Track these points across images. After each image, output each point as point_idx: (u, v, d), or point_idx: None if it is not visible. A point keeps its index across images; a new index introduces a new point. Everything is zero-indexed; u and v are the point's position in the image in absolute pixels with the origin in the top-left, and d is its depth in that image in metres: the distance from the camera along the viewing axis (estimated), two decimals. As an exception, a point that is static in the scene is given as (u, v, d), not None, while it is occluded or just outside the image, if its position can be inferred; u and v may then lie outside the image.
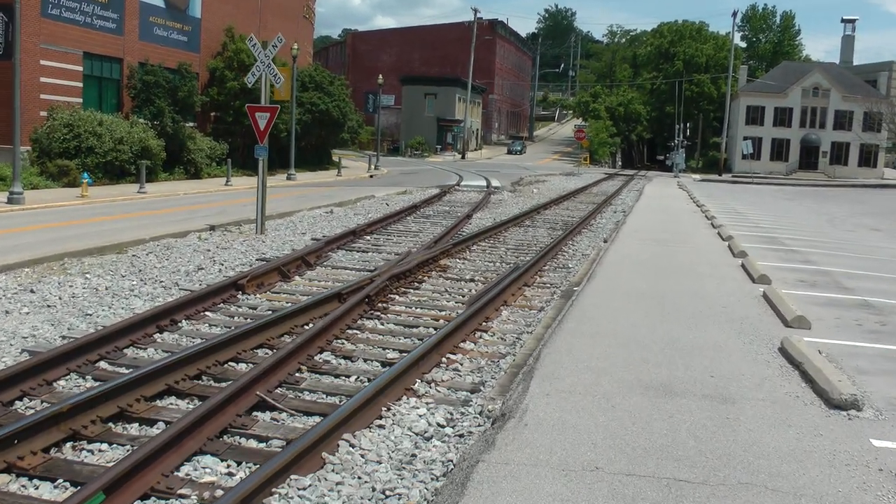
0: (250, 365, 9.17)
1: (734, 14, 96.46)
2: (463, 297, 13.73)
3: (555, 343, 9.48)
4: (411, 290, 14.06)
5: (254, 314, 11.81)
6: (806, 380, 8.36)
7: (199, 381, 8.73)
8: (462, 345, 10.51)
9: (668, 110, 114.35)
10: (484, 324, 11.67)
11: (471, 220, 26.07)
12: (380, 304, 12.54)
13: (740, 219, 30.62)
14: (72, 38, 37.38)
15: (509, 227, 24.40)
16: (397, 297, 13.47)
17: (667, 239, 21.43)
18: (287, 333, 10.62)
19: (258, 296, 13.12)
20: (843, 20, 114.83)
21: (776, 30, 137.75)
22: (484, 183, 47.02)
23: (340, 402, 8.15)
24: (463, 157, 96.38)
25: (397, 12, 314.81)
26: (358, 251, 18.54)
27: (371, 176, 56.69)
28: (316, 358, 9.59)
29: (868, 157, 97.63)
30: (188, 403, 8.13)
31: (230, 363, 9.39)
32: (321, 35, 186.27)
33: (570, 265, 17.68)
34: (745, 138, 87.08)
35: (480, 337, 11.03)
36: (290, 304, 12.14)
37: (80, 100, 38.31)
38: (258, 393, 7.92)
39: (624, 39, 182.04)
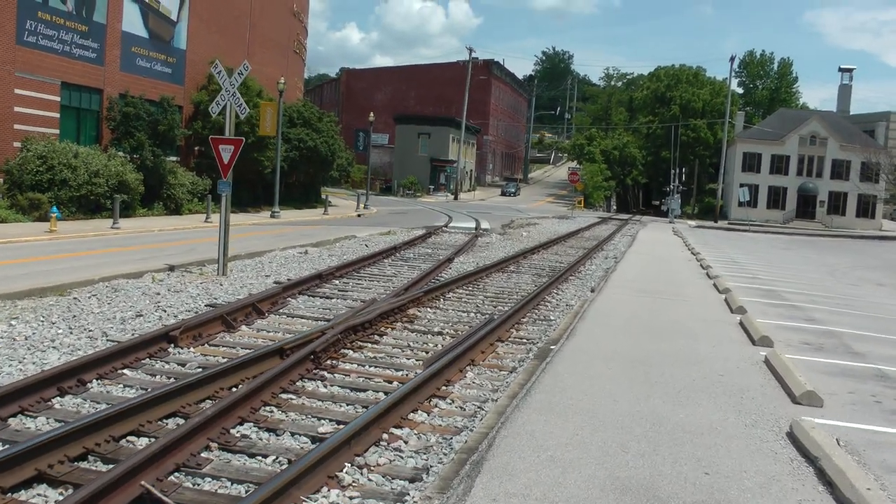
0: (152, 439, 7.62)
1: (731, 59, 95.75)
2: (427, 353, 12.22)
3: (517, 421, 7.96)
4: (369, 345, 12.53)
5: (179, 373, 10.27)
6: (824, 482, 6.79)
7: (83, 463, 7.16)
8: (412, 416, 8.97)
9: (663, 155, 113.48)
10: (444, 388, 10.15)
11: (451, 265, 24.59)
12: (328, 362, 11.02)
13: (737, 269, 29.16)
14: (49, 67, 36.13)
15: (492, 273, 22.92)
16: (351, 352, 11.95)
17: (659, 290, 19.93)
18: (210, 398, 9.09)
19: (192, 349, 11.56)
20: (840, 69, 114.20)
21: (773, 76, 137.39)
22: (473, 225, 45.75)
23: (247, 491, 6.62)
24: (455, 198, 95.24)
25: (396, 52, 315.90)
26: (321, 297, 17.01)
27: (359, 215, 55.36)
28: (233, 431, 8.03)
29: (866, 208, 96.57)
30: (60, 494, 6.56)
31: (130, 437, 7.81)
32: (319, 73, 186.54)
33: (553, 317, 16.16)
34: (742, 185, 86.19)
35: (436, 405, 9.48)
36: (226, 360, 10.62)
37: (57, 131, 37.09)
38: (143, 484, 6.36)
39: (620, 83, 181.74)
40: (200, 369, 10.30)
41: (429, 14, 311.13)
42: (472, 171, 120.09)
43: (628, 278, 22.32)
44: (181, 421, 8.28)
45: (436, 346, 12.79)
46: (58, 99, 37.20)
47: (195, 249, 25.32)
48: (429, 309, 16.12)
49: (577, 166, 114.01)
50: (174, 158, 45.38)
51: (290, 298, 16.23)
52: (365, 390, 9.95)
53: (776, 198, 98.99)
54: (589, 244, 37.65)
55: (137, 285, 17.11)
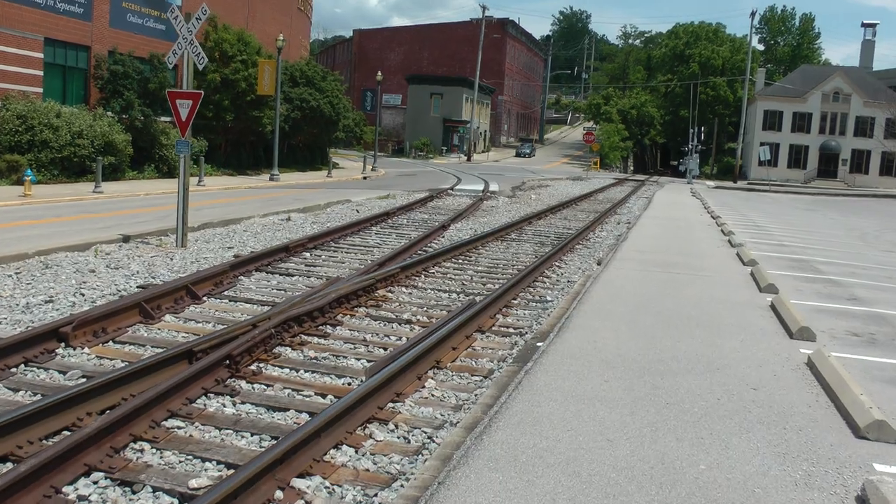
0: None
1: (752, 14, 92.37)
2: (386, 349, 9.99)
3: (461, 483, 5.60)
4: (314, 340, 10.23)
5: (52, 386, 8.02)
6: None
7: None
8: (333, 454, 6.64)
9: (682, 114, 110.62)
10: (390, 406, 7.87)
11: (445, 232, 22.32)
12: (251, 367, 8.76)
13: (761, 234, 26.70)
14: (30, 22, 33.94)
15: (489, 242, 20.64)
16: (289, 350, 9.67)
17: (675, 262, 17.54)
18: (68, 428, 6.85)
19: (88, 349, 9.28)
20: (863, 24, 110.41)
21: (795, 32, 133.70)
22: (481, 187, 43.42)
23: None
24: (469, 159, 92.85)
25: (413, 13, 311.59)
26: (281, 274, 14.73)
27: (365, 178, 53.16)
28: (68, 489, 5.76)
29: (890, 167, 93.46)
30: None
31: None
32: (336, 35, 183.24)
33: (550, 297, 13.86)
34: (762, 144, 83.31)
35: (371, 435, 7.15)
36: (123, 365, 8.37)
37: (40, 89, 34.96)
38: None
39: (638, 41, 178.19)
40: (84, 379, 8.07)
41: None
42: (486, 131, 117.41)
43: (641, 247, 19.96)
44: (12, 465, 6.04)
45: (399, 339, 10.53)
46: (41, 56, 35.05)
47: (171, 216, 23.08)
48: (404, 289, 13.82)
49: (594, 126, 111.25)
50: (168, 119, 43.15)
51: (242, 277, 13.97)
52: (286, 409, 7.65)
53: (797, 157, 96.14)
54: (601, 207, 35.31)
55: (75, 260, 14.91)
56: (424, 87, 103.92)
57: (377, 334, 10.74)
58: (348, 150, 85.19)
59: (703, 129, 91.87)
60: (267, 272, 14.78)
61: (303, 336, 10.24)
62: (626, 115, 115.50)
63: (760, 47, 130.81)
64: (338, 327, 10.92)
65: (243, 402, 7.82)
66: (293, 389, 8.27)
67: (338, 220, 24.09)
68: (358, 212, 26.80)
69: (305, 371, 8.94)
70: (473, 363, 9.67)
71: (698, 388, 8.12)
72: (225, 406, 7.72)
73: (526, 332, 11.09)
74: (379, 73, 65.96)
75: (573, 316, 11.06)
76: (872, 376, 9.02)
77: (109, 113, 36.16)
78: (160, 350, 9.01)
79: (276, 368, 8.96)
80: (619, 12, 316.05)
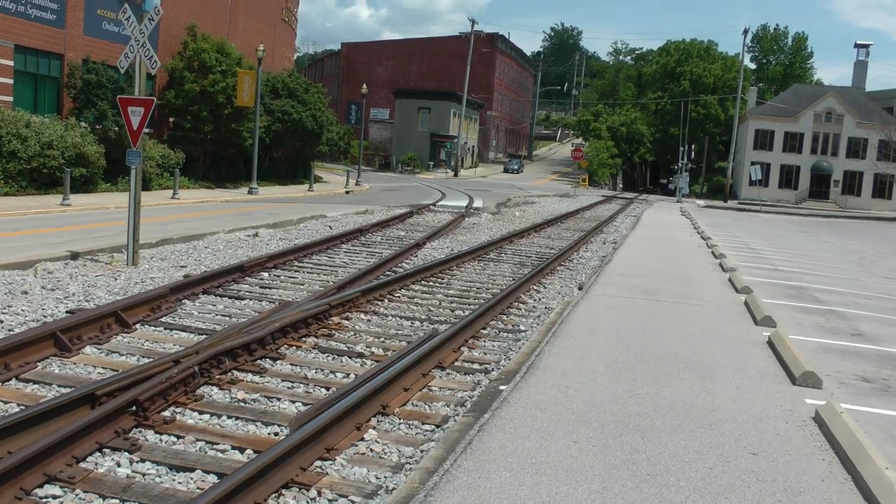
0: None
1: (745, 32, 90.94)
2: (328, 389, 8.71)
3: None
4: (248, 377, 8.93)
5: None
6: None
7: None
8: None
9: (672, 132, 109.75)
10: (317, 465, 6.57)
11: (420, 251, 21.06)
12: (163, 413, 7.46)
13: (753, 257, 25.44)
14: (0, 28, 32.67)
15: (465, 262, 19.37)
16: (215, 391, 8.38)
17: (662, 289, 16.20)
18: None
19: (-20, 390, 8.00)
20: (856, 45, 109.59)
21: (787, 51, 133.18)
22: (465, 203, 42.25)
23: None
24: (456, 175, 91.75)
25: (404, 28, 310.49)
26: (231, 297, 13.40)
27: (347, 192, 52.00)
28: None
29: (882, 188, 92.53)
30: None
31: None
32: (326, 49, 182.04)
33: (524, 326, 12.59)
34: (753, 163, 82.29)
35: None
36: (18, 411, 7.07)
37: (10, 98, 33.64)
38: None
39: (629, 58, 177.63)
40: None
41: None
42: (474, 147, 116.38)
43: (626, 270, 18.66)
44: None
45: (347, 376, 9.24)
46: (10, 63, 33.75)
47: (134, 231, 21.94)
48: (362, 315, 12.52)
49: (582, 143, 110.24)
50: (147, 130, 41.92)
51: (186, 300, 12.64)
52: (192, 469, 6.35)
53: (788, 177, 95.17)
54: (587, 226, 34.10)
55: (10, 280, 13.60)
56: (412, 101, 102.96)
57: (322, 370, 9.44)
58: (335, 164, 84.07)
59: (693, 147, 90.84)
60: (216, 295, 13.45)
61: (235, 373, 8.96)
62: (616, 132, 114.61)
63: (752, 66, 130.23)
64: (278, 362, 9.62)
65: (143, 460, 6.50)
66: (207, 442, 6.96)
67: (308, 236, 22.84)
68: (331, 228, 25.54)
69: (228, 417, 7.65)
70: (427, 408, 8.38)
71: (686, 452, 6.75)
72: (119, 465, 6.40)
73: (492, 370, 9.83)
74: (364, 87, 64.84)
75: (545, 352, 9.75)
76: (892, 436, 7.70)
77: (83, 123, 34.97)
78: (63, 395, 7.70)
79: (195, 414, 7.65)
80: (611, 28, 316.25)
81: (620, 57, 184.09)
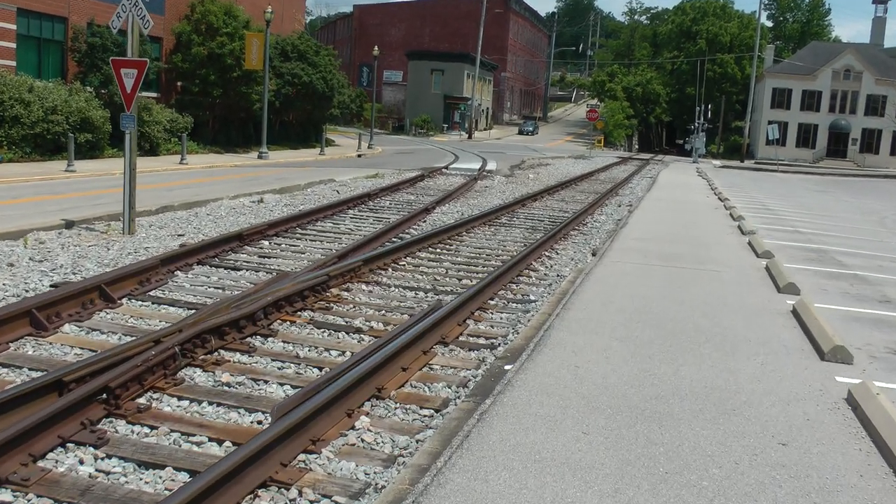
0: None
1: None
2: (322, 369, 8.12)
3: None
4: (235, 358, 8.32)
5: None
6: None
7: None
8: None
9: (688, 92, 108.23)
10: (301, 458, 5.97)
11: (429, 216, 20.42)
12: (133, 403, 6.86)
13: (773, 218, 24.70)
14: (2, -9, 32.11)
15: (476, 227, 18.75)
16: (198, 373, 7.79)
17: (679, 254, 15.54)
18: None
19: (-58, 372, 7.44)
20: (874, 1, 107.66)
21: (804, 9, 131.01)
22: (478, 165, 41.56)
23: None
24: (470, 137, 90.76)
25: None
26: (226, 268, 12.79)
27: (360, 156, 51.36)
28: None
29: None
30: None
31: None
32: (339, 12, 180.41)
33: (534, 296, 11.97)
34: (770, 123, 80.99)
35: None
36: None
37: (14, 63, 33.02)
38: None
39: (644, 17, 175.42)
40: None
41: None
42: (488, 109, 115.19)
43: (642, 234, 18.01)
44: None
45: (343, 353, 8.65)
46: (13, 27, 33.15)
47: (138, 197, 21.38)
48: (364, 286, 11.91)
49: (598, 104, 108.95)
50: (153, 94, 41.57)
51: (179, 272, 12.04)
52: (162, 466, 5.74)
53: (806, 136, 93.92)
54: (602, 188, 33.35)
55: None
56: (425, 63, 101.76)
57: (316, 348, 8.82)
58: (348, 127, 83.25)
59: (709, 107, 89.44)
60: (211, 265, 12.83)
61: (222, 352, 8.36)
62: (632, 92, 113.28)
63: (769, 24, 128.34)
64: (269, 339, 9.01)
65: (109, 456, 5.89)
66: (183, 433, 6.36)
67: (314, 202, 22.24)
68: (338, 192, 24.93)
69: (209, 403, 7.05)
70: (426, 389, 7.77)
71: (708, 443, 6.07)
72: (82, 463, 5.79)
73: (499, 345, 9.22)
74: (376, 48, 63.88)
75: (555, 326, 9.13)
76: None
77: (88, 88, 34.40)
78: (36, 376, 7.13)
79: (172, 401, 7.06)
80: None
81: (636, 17, 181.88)
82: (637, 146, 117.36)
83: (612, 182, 37.37)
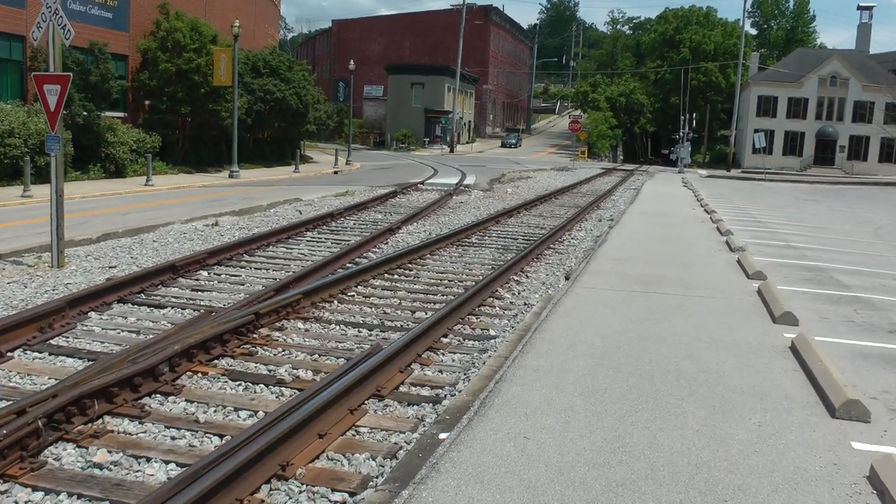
0: None
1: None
2: (223, 437, 6.64)
3: None
4: (122, 426, 6.78)
5: None
6: None
7: None
8: None
9: (673, 101, 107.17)
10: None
11: (393, 237, 18.96)
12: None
13: (763, 232, 23.19)
14: (-47, 9, 30.70)
15: (442, 248, 17.28)
16: (69, 450, 6.25)
17: (661, 276, 13.98)
18: None
19: None
20: (859, 7, 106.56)
21: (789, 16, 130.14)
22: (456, 180, 40.15)
23: None
24: (451, 151, 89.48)
25: (401, 5, 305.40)
26: (151, 305, 11.20)
27: (336, 172, 49.92)
28: None
29: (890, 153, 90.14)
30: None
31: None
32: (320, 28, 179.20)
33: (494, 330, 10.51)
34: (757, 131, 79.86)
35: None
36: None
37: (-32, 83, 31.60)
38: None
39: (627, 27, 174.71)
40: None
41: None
42: (470, 122, 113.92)
43: (621, 253, 16.45)
44: None
45: (254, 414, 7.17)
46: (-33, 47, 31.75)
47: (89, 223, 20.07)
48: (300, 324, 10.38)
49: (580, 115, 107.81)
50: (120, 114, 40.07)
51: (93, 312, 10.52)
52: None
53: (793, 144, 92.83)
54: (584, 201, 31.95)
55: None
56: (405, 76, 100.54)
57: (224, 408, 7.30)
58: (329, 143, 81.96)
59: (694, 116, 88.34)
60: (133, 303, 11.28)
61: (107, 419, 6.86)
62: (615, 102, 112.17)
63: (753, 32, 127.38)
64: (171, 398, 7.48)
65: None
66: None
67: (272, 223, 20.78)
68: (300, 213, 23.44)
69: (69, 495, 5.53)
70: (344, 463, 6.23)
71: None
72: None
73: (444, 397, 7.75)
74: (352, 63, 62.65)
75: (508, 377, 7.55)
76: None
77: (49, 108, 32.91)
78: None
79: (23, 493, 5.56)
80: (609, 2, 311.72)
81: (618, 27, 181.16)
82: (622, 157, 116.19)
83: (593, 195, 35.99)
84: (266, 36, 59.08)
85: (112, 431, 6.70)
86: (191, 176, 39.80)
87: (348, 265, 14.67)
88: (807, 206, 38.06)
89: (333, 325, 10.45)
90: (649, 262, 15.40)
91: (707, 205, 30.68)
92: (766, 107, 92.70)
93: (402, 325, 10.51)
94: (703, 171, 77.65)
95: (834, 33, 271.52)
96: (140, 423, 6.92)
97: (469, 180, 41.24)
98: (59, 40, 14.53)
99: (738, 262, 15.75)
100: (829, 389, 7.37)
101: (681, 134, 79.40)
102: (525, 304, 12.07)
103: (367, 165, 57.22)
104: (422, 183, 37.30)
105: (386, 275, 13.90)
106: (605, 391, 7.34)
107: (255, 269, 14.48)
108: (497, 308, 11.96)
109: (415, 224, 21.69)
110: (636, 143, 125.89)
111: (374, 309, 11.52)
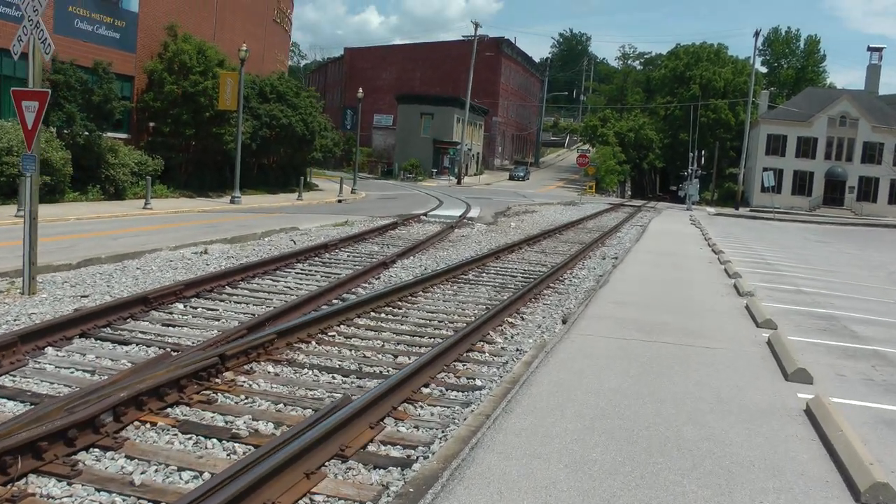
0: None
1: (756, 34, 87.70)
2: (158, 502, 5.85)
3: None
4: (46, 486, 6.00)
5: None
6: None
7: None
8: None
9: (682, 137, 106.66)
10: None
11: (387, 271, 18.19)
12: None
13: (772, 275, 22.29)
14: (-41, 26, 30.29)
15: (436, 284, 16.52)
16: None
17: (663, 324, 13.04)
18: None
19: None
20: (869, 48, 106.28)
21: (800, 55, 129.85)
22: (460, 212, 39.45)
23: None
24: (459, 182, 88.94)
25: (415, 36, 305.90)
26: (115, 341, 10.40)
27: (340, 201, 49.36)
28: None
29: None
30: None
31: None
32: (333, 57, 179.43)
33: (480, 381, 9.70)
34: (766, 169, 79.20)
35: None
36: None
37: (-28, 101, 31.18)
38: None
39: (638, 63, 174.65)
40: None
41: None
42: (479, 153, 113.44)
43: (623, 296, 15.58)
44: None
45: (199, 476, 6.39)
46: (-31, 64, 31.31)
47: (75, 246, 19.43)
48: (270, 367, 9.57)
49: (588, 149, 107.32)
50: (123, 136, 39.58)
51: (50, 347, 9.76)
52: None
53: (802, 183, 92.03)
54: (588, 237, 31.18)
55: None
56: (414, 106, 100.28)
57: (167, 467, 6.52)
58: (337, 171, 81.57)
59: (703, 153, 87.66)
60: (97, 338, 10.51)
61: (31, 477, 6.08)
62: (624, 137, 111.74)
63: (763, 70, 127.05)
64: (110, 453, 6.72)
65: None
66: None
67: (263, 253, 20.04)
68: (295, 243, 22.70)
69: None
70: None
71: None
72: None
73: (417, 459, 6.96)
74: (360, 91, 62.13)
75: (485, 442, 6.71)
76: None
77: (50, 127, 32.39)
78: None
79: None
80: (619, 35, 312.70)
81: (628, 62, 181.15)
82: (630, 192, 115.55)
83: (599, 231, 35.23)
84: (275, 61, 58.69)
85: (33, 495, 5.92)
86: (192, 200, 39.20)
87: (335, 301, 13.90)
88: (817, 247, 37.23)
89: (307, 370, 9.64)
90: (652, 307, 14.57)
91: (715, 244, 29.88)
92: (776, 145, 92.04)
93: (381, 372, 9.72)
94: (712, 209, 76.90)
95: (843, 73, 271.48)
96: (68, 484, 6.14)
97: (473, 213, 40.57)
98: (40, 55, 13.83)
99: (747, 307, 14.92)
100: (851, 467, 6.51)
101: (689, 171, 78.73)
102: (517, 350, 11.25)
103: (373, 195, 56.61)
104: (425, 214, 36.61)
105: (372, 313, 13.11)
106: (594, 463, 6.49)
107: (235, 302, 13.69)
108: (487, 354, 11.14)
109: (411, 258, 20.92)
110: (645, 178, 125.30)
111: (353, 352, 10.70)
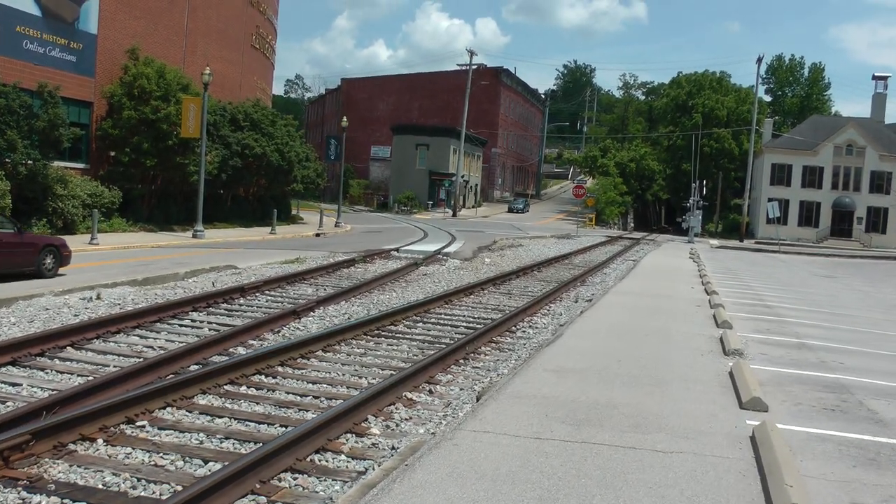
0: None
1: (759, 60, 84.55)
2: None
3: None
4: None
5: None
6: None
7: None
8: None
9: (684, 168, 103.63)
10: None
11: (296, 321, 15.13)
12: None
13: (771, 322, 18.63)
14: None
15: (349, 340, 13.50)
16: None
17: (609, 407, 9.44)
18: None
19: None
20: (874, 77, 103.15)
21: (804, 83, 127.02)
22: (438, 247, 36.63)
23: None
24: (454, 215, 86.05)
25: (423, 69, 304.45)
26: None
27: (318, 235, 46.62)
28: None
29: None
30: None
31: None
32: (330, 88, 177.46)
33: (316, 499, 6.60)
34: (771, 200, 76.19)
35: None
36: None
37: None
38: None
39: (640, 92, 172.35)
40: None
41: (456, 32, 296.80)
42: (477, 185, 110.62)
43: (569, 360, 12.10)
44: None
45: None
46: None
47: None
48: (58, 471, 6.53)
49: (584, 180, 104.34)
50: (80, 165, 37.02)
51: None
52: None
53: (808, 214, 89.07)
54: (569, 275, 28.10)
55: None
56: (410, 137, 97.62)
57: None
58: (333, 203, 78.89)
59: (705, 183, 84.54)
60: None
61: None
62: (625, 168, 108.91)
63: (767, 98, 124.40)
64: None
65: None
66: None
67: (169, 297, 17.07)
68: (214, 284, 19.75)
69: None
70: None
71: None
72: None
73: None
74: (344, 119, 59.63)
75: None
76: None
77: (-10, 157, 29.76)
78: None
79: None
80: (623, 67, 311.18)
81: (630, 91, 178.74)
82: (633, 224, 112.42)
83: (584, 267, 32.11)
84: (254, 88, 55.99)
85: None
86: (152, 235, 36.45)
87: (192, 367, 10.78)
88: (824, 283, 33.96)
89: (107, 470, 6.48)
90: (603, 375, 11.05)
91: (709, 283, 26.56)
92: (781, 175, 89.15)
93: (172, 491, 6.60)
94: (715, 241, 73.82)
95: (849, 104, 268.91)
96: None
97: (453, 247, 37.72)
98: None
99: (731, 375, 11.43)
100: None
101: (691, 202, 75.63)
102: (392, 448, 8.07)
103: (359, 228, 53.91)
104: (397, 249, 33.71)
105: (227, 385, 9.97)
106: None
107: (57, 371, 10.54)
108: (343, 457, 7.85)
109: (342, 303, 17.87)
110: (648, 210, 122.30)
111: (157, 456, 7.53)
